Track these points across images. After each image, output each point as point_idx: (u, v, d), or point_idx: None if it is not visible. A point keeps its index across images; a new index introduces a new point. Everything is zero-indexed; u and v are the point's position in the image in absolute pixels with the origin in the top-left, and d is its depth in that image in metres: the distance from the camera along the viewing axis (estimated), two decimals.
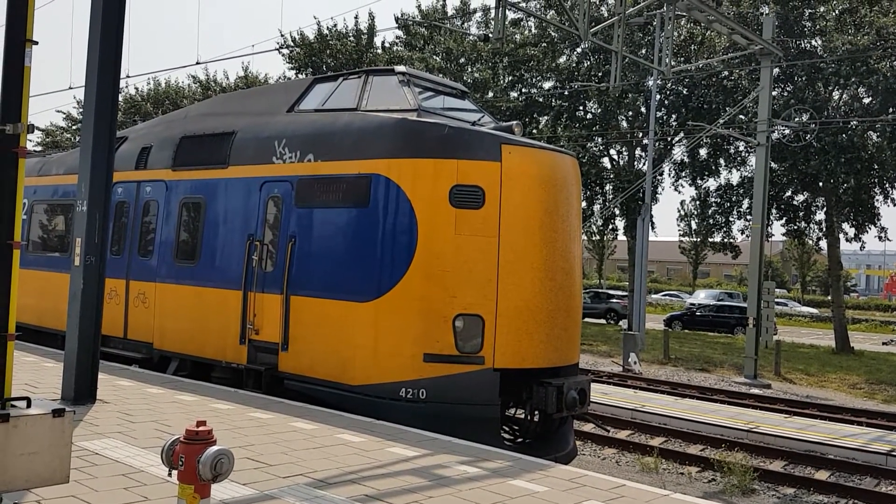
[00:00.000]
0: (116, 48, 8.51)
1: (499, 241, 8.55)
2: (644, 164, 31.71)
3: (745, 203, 31.88)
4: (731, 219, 33.28)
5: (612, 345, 28.64)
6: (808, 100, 27.82)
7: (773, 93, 25.09)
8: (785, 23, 28.20)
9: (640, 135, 34.03)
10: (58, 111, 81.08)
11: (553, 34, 34.65)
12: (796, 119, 28.27)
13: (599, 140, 35.40)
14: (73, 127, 50.79)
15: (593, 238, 52.99)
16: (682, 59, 31.13)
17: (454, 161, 8.63)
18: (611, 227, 38.90)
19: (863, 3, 27.75)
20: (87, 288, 8.32)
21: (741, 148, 31.82)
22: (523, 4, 31.44)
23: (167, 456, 4.13)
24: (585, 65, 35.33)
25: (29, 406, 5.29)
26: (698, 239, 42.85)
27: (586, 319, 38.03)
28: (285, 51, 37.66)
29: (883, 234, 30.38)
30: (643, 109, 33.46)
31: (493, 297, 8.47)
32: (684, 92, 33.08)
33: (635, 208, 31.38)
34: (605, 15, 31.48)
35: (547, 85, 36.87)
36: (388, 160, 8.84)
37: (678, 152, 33.82)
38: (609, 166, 36.72)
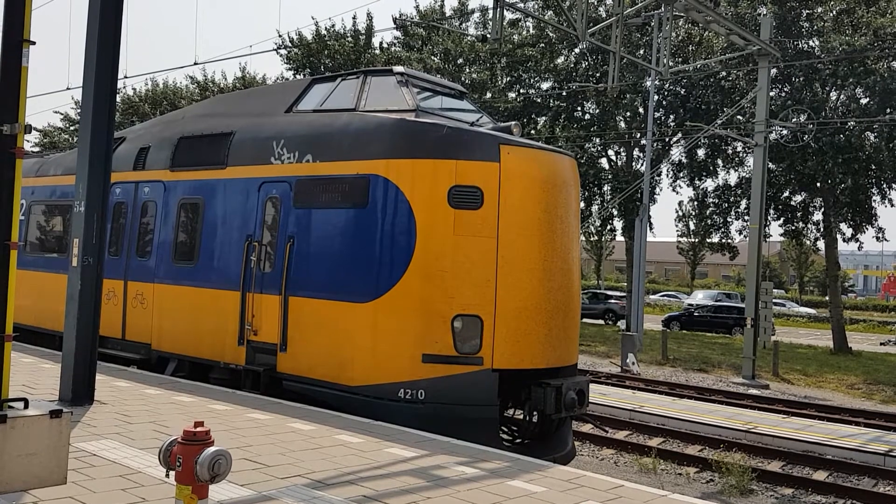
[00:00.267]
0: (114, 49, 8.50)
1: (497, 242, 8.54)
2: (642, 164, 31.77)
3: (743, 203, 31.93)
4: (728, 219, 33.33)
5: (611, 345, 28.65)
6: (806, 100, 27.86)
7: (771, 93, 25.13)
8: (782, 23, 28.24)
9: (638, 135, 34.06)
10: (55, 112, 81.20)
11: (551, 35, 34.67)
12: (794, 119, 28.31)
13: (597, 141, 35.43)
14: (71, 128, 50.74)
15: (591, 239, 53.07)
16: (680, 59, 31.16)
17: (453, 161, 8.62)
18: (609, 227, 38.94)
19: (860, 4, 27.80)
20: (85, 289, 8.30)
21: (739, 148, 31.85)
22: (521, 5, 31.47)
23: (165, 457, 4.13)
24: (583, 65, 35.36)
25: (26, 407, 5.29)
26: (696, 239, 42.88)
27: (584, 320, 38.06)
28: (283, 51, 37.67)
29: (880, 235, 30.41)
30: (641, 110, 33.49)
31: (491, 297, 8.47)
32: (682, 92, 33.11)
33: (633, 209, 31.41)
34: (603, 15, 31.53)
35: (545, 85, 36.90)
36: (386, 161, 8.83)
37: (676, 153, 33.87)
38: (607, 167, 36.76)
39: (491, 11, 15.26)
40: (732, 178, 33.34)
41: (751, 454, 12.38)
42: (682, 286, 79.44)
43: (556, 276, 8.88)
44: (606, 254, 71.90)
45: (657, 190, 35.98)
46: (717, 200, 33.66)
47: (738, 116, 28.62)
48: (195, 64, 21.42)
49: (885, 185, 29.25)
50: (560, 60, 36.04)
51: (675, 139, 34.55)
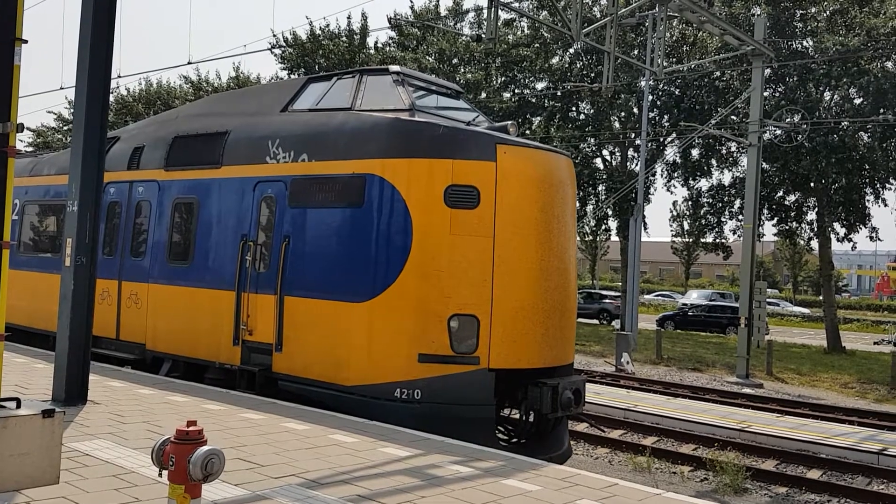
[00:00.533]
0: (107, 48, 8.48)
1: (494, 241, 8.52)
2: (636, 164, 31.79)
3: (737, 203, 32.01)
4: (722, 219, 33.41)
5: (605, 345, 28.69)
6: (800, 100, 27.94)
7: (765, 93, 25.20)
8: (776, 24, 28.31)
9: (633, 135, 34.10)
10: (49, 112, 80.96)
11: (546, 35, 34.69)
12: (788, 119, 28.38)
13: (592, 141, 35.47)
14: (65, 127, 50.58)
15: (586, 238, 53.18)
16: (675, 59, 31.22)
17: (449, 161, 8.60)
18: (603, 227, 39.00)
19: (853, 4, 27.89)
20: (78, 289, 8.28)
21: (733, 148, 31.93)
22: (516, 5, 31.45)
23: (157, 456, 4.11)
24: (578, 65, 35.39)
25: (19, 407, 5.26)
26: (690, 239, 42.97)
27: (579, 319, 38.07)
28: (277, 51, 37.62)
29: (874, 235, 30.50)
30: (635, 110, 33.55)
31: (488, 297, 8.45)
32: (676, 93, 33.17)
33: (628, 209, 31.45)
34: (598, 15, 31.55)
35: (540, 86, 36.93)
36: (382, 160, 8.80)
37: (670, 153, 33.92)
38: (602, 167, 36.81)
39: (486, 11, 15.25)
40: (726, 178, 33.57)
41: (745, 453, 12.40)
42: (676, 286, 79.65)
43: (553, 275, 8.87)
44: (601, 254, 72.04)
45: (652, 190, 36.14)
46: (711, 200, 33.74)
47: (732, 116, 28.69)
48: (189, 63, 21.34)
49: (878, 185, 29.35)
50: (555, 60, 36.06)
51: (669, 139, 34.61)
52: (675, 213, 67.75)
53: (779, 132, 28.36)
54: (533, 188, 8.79)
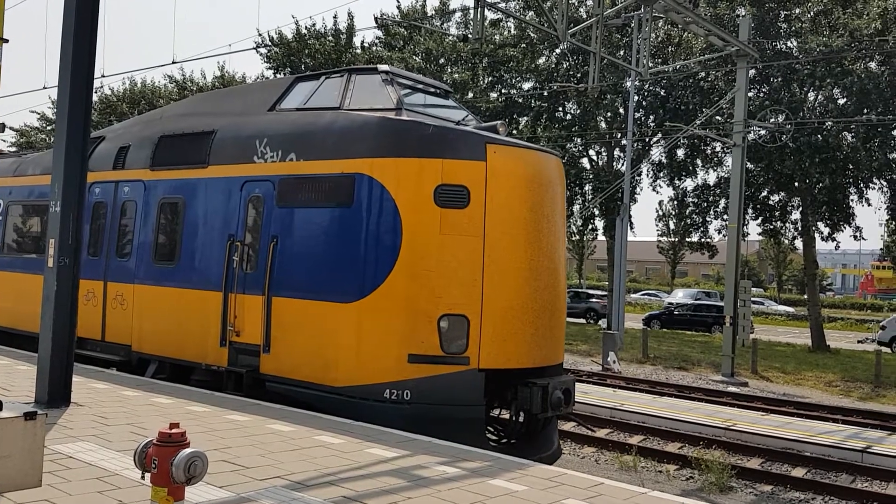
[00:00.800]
0: (90, 47, 8.40)
1: (484, 241, 8.49)
2: (623, 164, 31.90)
3: (722, 203, 32.18)
4: (708, 219, 33.60)
5: (592, 344, 28.77)
6: (784, 101, 28.12)
7: (749, 94, 25.33)
8: (761, 24, 28.49)
9: (619, 135, 34.23)
10: (32, 111, 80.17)
11: (532, 35, 34.77)
12: (772, 120, 28.57)
13: (579, 141, 35.58)
14: (48, 127, 50.20)
15: (573, 238, 53.30)
16: (660, 60, 31.35)
17: (439, 160, 8.56)
18: (590, 227, 39.14)
19: (837, 6, 28.10)
20: (61, 290, 8.20)
21: (718, 149, 32.12)
22: (502, 5, 31.50)
23: (140, 459, 4.08)
24: (564, 66, 35.48)
25: (0, 409, 5.21)
26: (676, 239, 43.17)
27: (566, 319, 38.15)
28: (263, 50, 37.48)
29: (858, 234, 30.75)
30: (621, 110, 33.68)
31: (478, 297, 8.42)
32: (662, 93, 33.33)
33: (614, 208, 31.58)
34: (584, 16, 31.65)
35: (526, 86, 37.00)
36: (371, 159, 8.75)
37: (656, 153, 34.09)
38: (588, 167, 36.93)
39: (472, 11, 15.26)
40: (711, 178, 33.60)
41: (730, 451, 12.47)
42: (662, 285, 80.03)
43: (543, 275, 8.85)
44: (588, 253, 72.25)
45: (638, 189, 36.28)
46: (696, 200, 33.93)
47: (717, 117, 28.86)
48: (173, 63, 21.21)
49: (862, 185, 29.60)
50: (541, 61, 36.15)
51: (655, 139, 34.78)
52: (660, 213, 68.33)
53: (763, 132, 28.56)
54: (523, 188, 8.77)
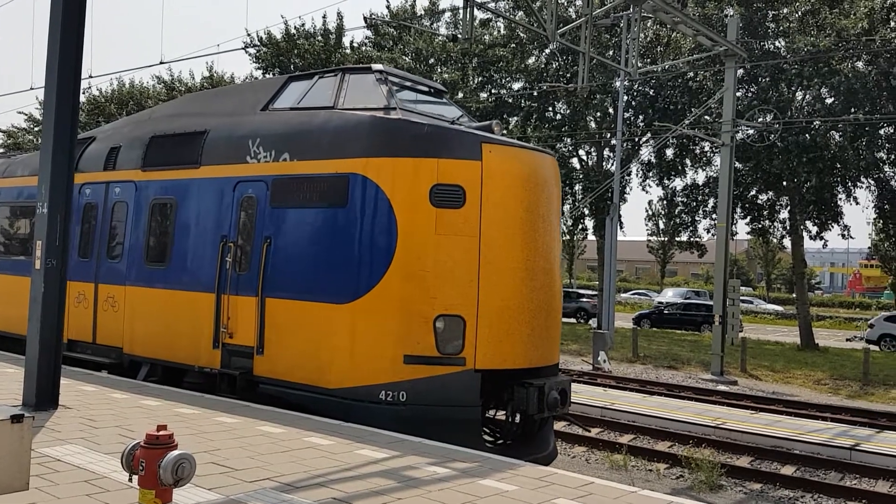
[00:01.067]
0: (77, 47, 8.35)
1: (480, 241, 8.43)
2: (612, 164, 31.98)
3: (711, 202, 32.32)
4: (697, 218, 33.74)
5: (583, 343, 28.83)
6: (772, 100, 28.26)
7: (738, 93, 25.45)
8: (749, 24, 28.63)
9: (609, 135, 34.32)
10: (19, 112, 79.71)
11: (522, 35, 34.81)
12: (760, 119, 28.71)
13: (568, 141, 35.66)
14: (36, 128, 49.86)
15: (563, 238, 53.36)
16: (649, 60, 31.46)
17: (434, 160, 8.50)
18: (580, 226, 39.21)
19: (824, 5, 28.26)
20: (48, 291, 8.15)
21: (706, 148, 32.25)
22: (492, 5, 31.51)
23: (127, 461, 4.06)
24: (554, 66, 35.55)
25: None
26: (666, 238, 43.28)
27: None
28: (252, 50, 37.35)
29: (846, 233, 30.92)
30: (611, 110, 33.77)
31: (474, 297, 8.36)
32: (651, 93, 33.44)
33: (604, 208, 31.65)
34: (573, 16, 31.71)
35: (516, 86, 37.06)
36: (366, 159, 8.68)
37: (645, 153, 34.18)
38: (578, 167, 36.99)
39: (461, 11, 15.25)
40: (700, 178, 33.76)
41: (720, 450, 12.52)
42: (652, 284, 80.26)
43: (539, 275, 8.81)
44: (578, 253, 72.41)
45: (627, 189, 36.43)
46: (685, 199, 34.08)
47: (706, 116, 28.98)
48: (161, 63, 21.10)
49: (849, 184, 29.77)
50: (531, 61, 36.21)
51: (644, 139, 34.89)
52: (650, 213, 68.56)
53: (751, 132, 28.70)
54: (519, 187, 8.71)
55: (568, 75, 34.28)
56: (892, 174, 30.02)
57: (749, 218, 31.96)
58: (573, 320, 42.64)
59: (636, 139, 34.74)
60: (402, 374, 8.28)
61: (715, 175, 31.15)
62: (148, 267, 10.80)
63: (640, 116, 34.21)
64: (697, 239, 34.56)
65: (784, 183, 29.63)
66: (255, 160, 9.69)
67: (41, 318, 8.10)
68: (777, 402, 17.58)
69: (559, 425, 13.19)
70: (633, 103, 33.86)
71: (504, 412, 9.38)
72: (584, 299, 44.01)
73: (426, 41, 36.43)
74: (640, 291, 71.98)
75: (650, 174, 34.81)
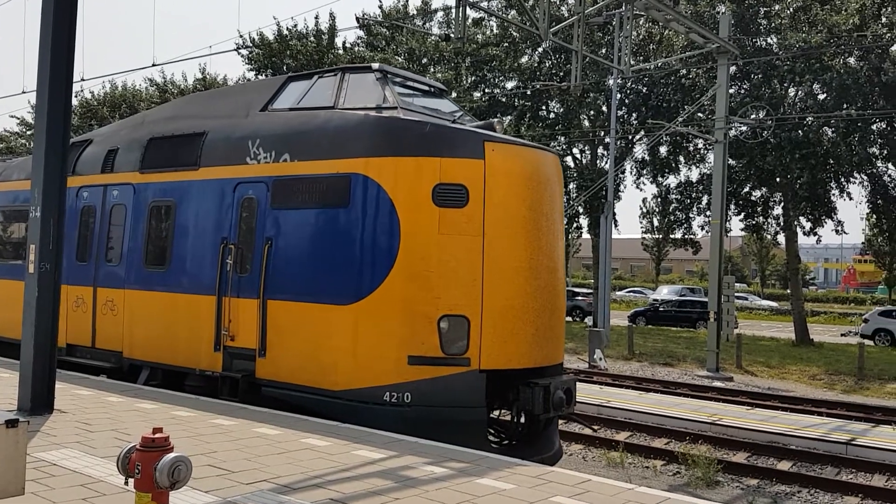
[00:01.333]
0: (68, 50, 8.32)
1: (483, 240, 8.36)
2: (606, 162, 32.04)
3: (705, 199, 32.42)
4: (691, 215, 33.84)
5: (578, 341, 28.86)
6: (765, 97, 28.34)
7: (730, 90, 25.51)
8: (741, 21, 28.70)
9: (602, 133, 34.39)
10: (12, 116, 79.33)
11: (514, 34, 34.84)
12: (753, 116, 28.76)
13: (562, 139, 35.69)
14: (28, 132, 49.69)
15: None
16: (642, 58, 31.52)
17: (437, 159, 8.42)
18: (575, 225, 39.25)
19: (815, 2, 28.35)
20: (42, 296, 8.12)
21: (700, 145, 32.33)
22: (484, 4, 31.53)
23: (123, 464, 4.05)
24: (547, 64, 35.60)
25: None
26: (660, 235, 43.38)
27: None
28: (244, 51, 37.27)
29: (839, 228, 31.04)
30: (604, 108, 33.84)
31: (478, 297, 8.29)
32: (644, 91, 33.50)
33: (598, 206, 31.68)
34: (566, 15, 31.76)
35: (509, 85, 37.08)
36: (367, 159, 8.60)
37: (639, 150, 34.25)
38: (572, 165, 37.03)
39: (454, 10, 15.25)
40: (694, 175, 34.01)
41: (716, 446, 12.55)
42: (647, 282, 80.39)
43: (543, 274, 8.74)
44: (573, 251, 72.42)
45: (621, 187, 36.43)
46: (679, 197, 34.15)
47: (699, 114, 29.03)
48: (153, 65, 21.08)
49: (842, 179, 29.87)
50: (524, 60, 36.24)
51: (637, 137, 34.95)
52: (644, 210, 68.74)
53: (744, 129, 28.77)
54: (522, 186, 8.64)
55: (561, 74, 34.31)
56: (884, 169, 30.17)
57: (743, 214, 32.04)
58: (569, 318, 42.67)
59: (630, 137, 34.81)
60: (407, 375, 8.19)
61: (708, 172, 31.23)
62: (147, 270, 10.71)
63: (634, 114, 34.27)
64: (692, 236, 34.67)
65: (777, 179, 29.71)
66: (256, 161, 9.61)
67: (35, 322, 8.07)
68: (773, 397, 17.62)
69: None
70: (627, 101, 33.92)
71: (509, 412, 9.31)
72: (580, 297, 44.06)
73: (419, 41, 36.43)
74: (636, 289, 72.10)
75: (644, 172, 34.88)
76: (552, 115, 36.22)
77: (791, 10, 29.31)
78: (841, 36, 27.10)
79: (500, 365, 8.40)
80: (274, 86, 10.60)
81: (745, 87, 30.24)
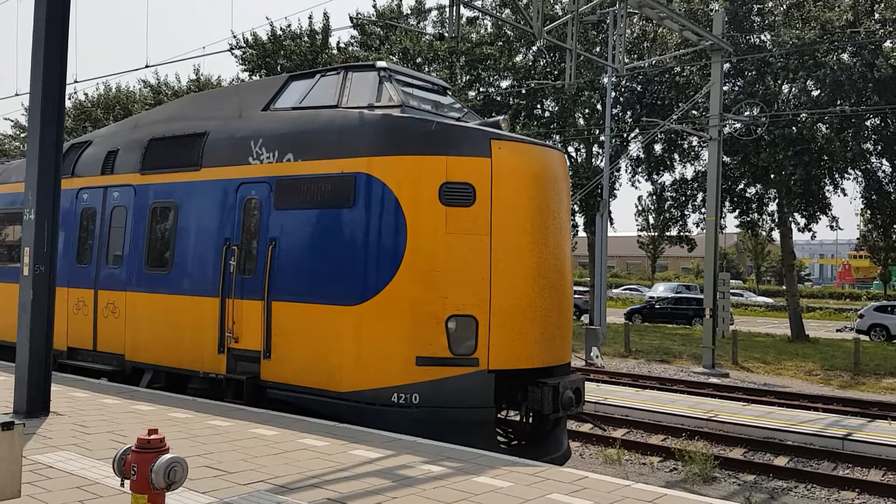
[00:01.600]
0: (61, 51, 8.30)
1: (490, 240, 8.29)
2: (601, 160, 32.06)
3: (700, 196, 32.46)
4: (686, 212, 33.89)
5: (575, 339, 28.78)
6: (759, 94, 28.41)
7: (724, 88, 25.58)
8: (734, 18, 28.76)
9: (597, 132, 34.40)
10: (6, 118, 79.13)
11: (509, 33, 34.85)
12: (747, 113, 28.84)
13: (557, 138, 35.70)
14: (22, 135, 49.54)
15: None
16: (636, 56, 31.56)
17: (443, 158, 8.35)
18: (571, 223, 39.26)
19: None
20: (37, 298, 8.10)
21: (694, 143, 32.39)
22: (478, 3, 31.53)
23: (119, 466, 4.04)
24: (541, 63, 35.61)
25: None
26: (656, 233, 43.41)
27: None
28: (238, 52, 37.20)
29: (834, 224, 31.11)
30: (599, 106, 33.83)
31: (486, 296, 8.22)
32: (638, 89, 33.53)
33: (594, 204, 31.72)
34: (560, 13, 31.76)
35: (504, 84, 37.07)
36: (372, 158, 8.52)
37: (634, 148, 34.28)
38: (567, 163, 37.04)
39: (448, 10, 15.25)
40: (689, 172, 33.96)
41: (713, 442, 12.57)
42: (643, 279, 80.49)
43: (550, 273, 8.68)
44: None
45: (617, 185, 36.51)
46: (674, 194, 34.22)
47: (693, 111, 29.09)
48: (147, 67, 21.04)
49: (837, 175, 29.95)
50: (518, 58, 36.24)
51: (632, 135, 34.99)
52: (640, 208, 68.79)
53: (738, 126, 28.82)
54: (529, 184, 8.57)
55: (555, 72, 34.33)
56: (878, 165, 30.26)
57: (738, 211, 32.11)
58: None
59: (625, 135, 34.84)
60: (415, 375, 8.13)
61: (703, 169, 31.28)
62: (149, 272, 10.62)
63: (628, 112, 34.30)
64: (687, 233, 34.71)
65: (772, 176, 29.77)
66: (258, 161, 9.52)
67: (30, 324, 8.05)
68: (769, 393, 17.66)
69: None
70: (621, 99, 33.95)
71: (518, 412, 9.25)
72: (576, 295, 44.04)
73: (413, 40, 36.40)
74: (632, 287, 72.15)
75: (639, 170, 34.94)
76: (547, 114, 36.23)
77: (784, 6, 29.38)
78: (834, 32, 27.17)
79: (509, 365, 8.34)
80: (275, 85, 10.51)
81: (738, 84, 30.31)
